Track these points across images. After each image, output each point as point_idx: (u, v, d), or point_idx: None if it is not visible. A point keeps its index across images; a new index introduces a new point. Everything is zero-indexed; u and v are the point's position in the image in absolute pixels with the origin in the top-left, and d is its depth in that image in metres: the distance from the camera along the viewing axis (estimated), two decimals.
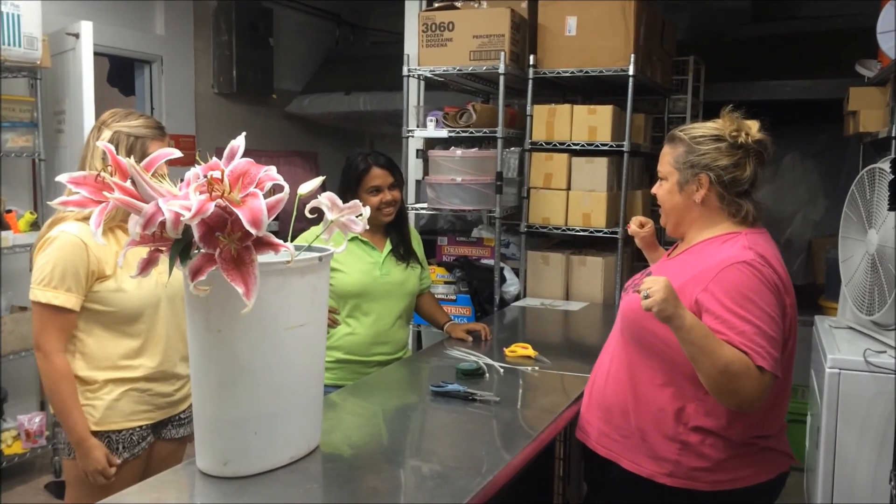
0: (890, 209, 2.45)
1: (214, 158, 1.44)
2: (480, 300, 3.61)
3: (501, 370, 2.42)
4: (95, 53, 5.17)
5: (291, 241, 1.90)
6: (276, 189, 1.46)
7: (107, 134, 2.12)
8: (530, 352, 2.60)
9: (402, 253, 2.79)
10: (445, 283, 3.73)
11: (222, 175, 1.39)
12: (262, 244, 1.39)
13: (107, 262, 2.01)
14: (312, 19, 6.81)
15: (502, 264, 3.80)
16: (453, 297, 3.64)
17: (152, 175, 1.84)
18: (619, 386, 1.90)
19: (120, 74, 5.55)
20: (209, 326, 1.52)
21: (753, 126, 1.83)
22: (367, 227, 2.48)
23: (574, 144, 3.64)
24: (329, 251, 1.70)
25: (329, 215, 1.80)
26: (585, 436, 1.98)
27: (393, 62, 4.09)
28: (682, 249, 1.93)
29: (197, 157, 1.54)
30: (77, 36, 3.68)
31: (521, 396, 2.22)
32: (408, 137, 3.82)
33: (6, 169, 4.01)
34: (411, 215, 4.22)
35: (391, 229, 2.80)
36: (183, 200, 1.35)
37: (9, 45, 3.37)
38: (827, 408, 2.58)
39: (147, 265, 1.44)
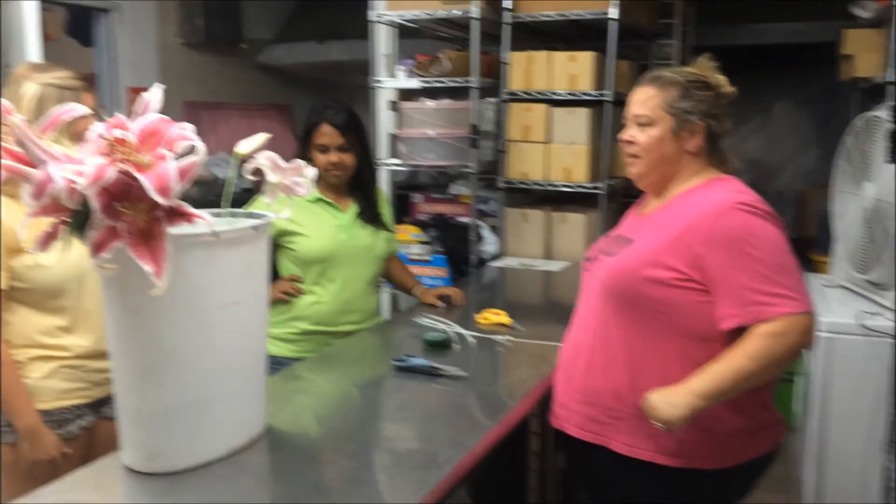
0: (890, 161, 2.27)
1: (118, 115, 1.24)
2: (456, 260, 3.44)
3: (473, 340, 2.26)
4: (54, 2, 4.90)
5: (241, 206, 1.71)
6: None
7: (32, 88, 1.92)
8: (504, 318, 2.43)
9: (370, 215, 2.60)
10: (420, 242, 3.55)
11: (125, 134, 1.20)
12: (175, 215, 1.20)
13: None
14: None
15: (480, 222, 3.62)
16: (428, 258, 3.46)
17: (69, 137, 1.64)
18: (610, 367, 1.69)
19: (78, 25, 5.25)
20: (126, 307, 1.34)
21: (723, 78, 1.74)
22: (316, 188, 2.28)
23: (554, 94, 3.43)
24: (267, 219, 1.51)
25: (270, 177, 1.62)
26: (563, 423, 1.77)
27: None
28: (660, 205, 1.76)
29: (97, 110, 1.34)
30: None
31: (491, 370, 2.07)
32: (375, 88, 3.58)
33: None
34: (384, 172, 4.02)
35: (356, 189, 2.61)
36: (78, 165, 1.15)
37: None
38: (820, 373, 2.44)
39: (48, 239, 1.26)
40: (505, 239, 3.61)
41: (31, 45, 3.42)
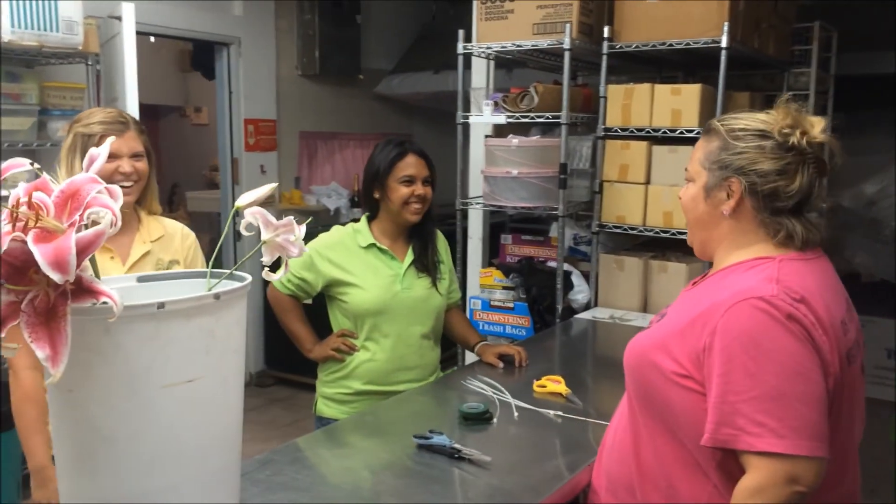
0: None
1: (46, 175, 1.11)
2: (540, 310, 3.17)
3: (516, 414, 2.00)
4: (170, 37, 5.08)
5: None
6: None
7: (69, 139, 1.93)
8: (561, 388, 2.16)
9: (426, 263, 2.40)
10: (504, 288, 3.30)
11: (40, 197, 1.06)
12: (82, 292, 1.05)
13: None
14: None
15: (570, 268, 3.33)
16: (510, 305, 3.21)
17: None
18: (624, 453, 1.47)
19: (202, 58, 5.43)
20: (59, 384, 1.20)
21: (817, 124, 1.37)
22: (370, 232, 2.08)
23: (654, 131, 3.10)
24: (237, 286, 1.34)
25: (263, 234, 1.46)
26: None
27: None
28: (707, 276, 1.48)
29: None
30: (119, 19, 3.51)
31: (522, 454, 1.79)
32: (461, 124, 3.39)
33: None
34: (475, 214, 3.82)
35: (414, 235, 2.42)
36: None
37: (47, 30, 3.23)
38: None
39: None
40: (598, 287, 3.30)
41: (130, 78, 3.50)
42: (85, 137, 1.89)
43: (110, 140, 1.88)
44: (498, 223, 4.40)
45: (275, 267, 1.50)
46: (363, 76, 6.05)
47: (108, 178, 1.91)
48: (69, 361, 1.14)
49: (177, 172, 7.94)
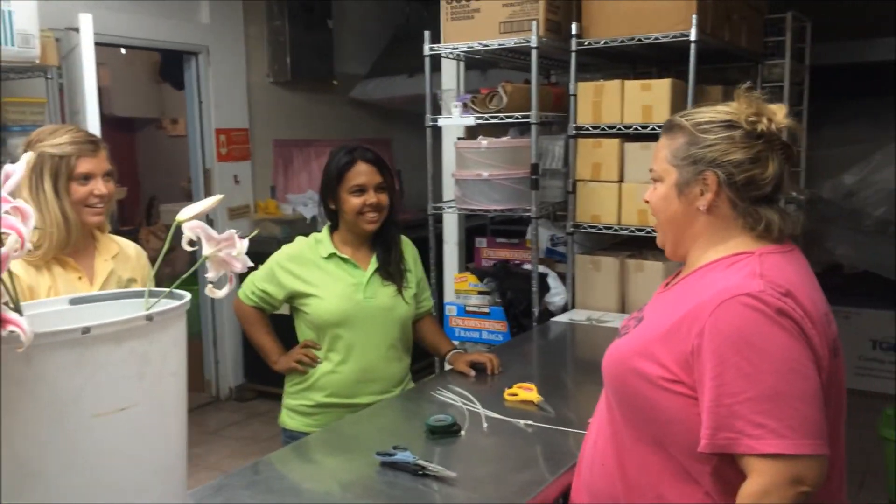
0: None
1: None
2: (516, 314, 3.11)
3: (485, 425, 1.93)
4: (136, 48, 4.98)
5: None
6: None
7: (30, 157, 1.85)
8: (533, 395, 2.09)
9: (390, 271, 2.34)
10: (479, 293, 3.24)
11: None
12: None
13: (39, 295, 1.81)
14: None
15: (547, 270, 3.27)
16: (486, 310, 3.15)
17: None
18: (606, 466, 1.41)
19: (170, 69, 5.34)
20: None
21: (778, 111, 1.34)
22: (330, 242, 2.05)
23: (626, 127, 3.05)
24: (172, 306, 1.27)
25: (205, 249, 1.39)
26: None
27: None
28: (683, 276, 1.43)
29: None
30: (77, 30, 3.42)
31: (490, 468, 1.73)
32: (430, 127, 3.32)
33: None
34: (449, 218, 3.76)
35: (378, 243, 2.35)
36: None
37: (1, 44, 3.14)
38: None
39: None
40: (574, 289, 3.24)
41: (89, 92, 3.42)
42: (55, 158, 1.82)
43: (80, 161, 1.84)
44: (479, 226, 4.34)
45: (222, 283, 1.44)
46: (337, 81, 5.98)
47: (84, 199, 1.86)
48: None
49: (155, 185, 7.83)
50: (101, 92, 8.05)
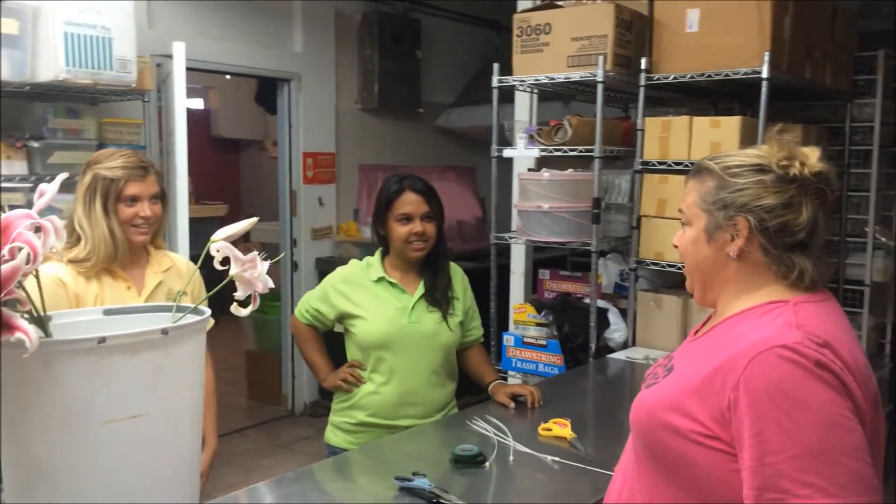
0: None
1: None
2: (573, 348, 3.08)
3: (512, 458, 1.93)
4: (232, 74, 5.25)
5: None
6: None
7: (87, 177, 2.02)
8: (567, 432, 2.07)
9: (437, 297, 2.37)
10: (537, 324, 3.23)
11: None
12: (4, 325, 1.07)
13: (86, 302, 1.96)
14: (467, 27, 6.51)
15: (608, 305, 3.23)
16: (543, 342, 3.13)
17: None
18: None
19: (266, 94, 5.59)
20: (3, 416, 1.22)
21: (811, 154, 1.29)
22: (381, 266, 2.07)
23: (693, 164, 2.98)
24: (190, 322, 1.35)
25: (232, 269, 1.47)
26: None
27: None
28: (712, 325, 1.38)
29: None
30: (171, 57, 3.65)
31: (507, 500, 1.72)
32: (496, 158, 3.35)
33: None
34: (517, 248, 3.77)
35: (426, 269, 2.40)
36: None
37: (101, 68, 3.38)
38: None
39: None
40: (635, 326, 3.18)
41: (179, 115, 3.62)
42: (107, 180, 1.97)
43: (128, 184, 1.97)
44: (559, 257, 4.29)
45: (246, 303, 1.51)
46: (423, 109, 6.10)
47: (129, 220, 1.99)
48: (9, 394, 1.17)
49: (255, 204, 8.18)
50: (210, 114, 8.54)
